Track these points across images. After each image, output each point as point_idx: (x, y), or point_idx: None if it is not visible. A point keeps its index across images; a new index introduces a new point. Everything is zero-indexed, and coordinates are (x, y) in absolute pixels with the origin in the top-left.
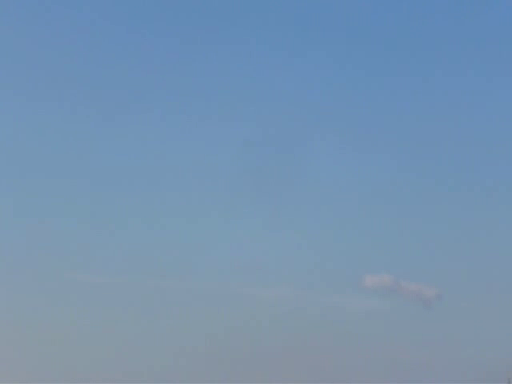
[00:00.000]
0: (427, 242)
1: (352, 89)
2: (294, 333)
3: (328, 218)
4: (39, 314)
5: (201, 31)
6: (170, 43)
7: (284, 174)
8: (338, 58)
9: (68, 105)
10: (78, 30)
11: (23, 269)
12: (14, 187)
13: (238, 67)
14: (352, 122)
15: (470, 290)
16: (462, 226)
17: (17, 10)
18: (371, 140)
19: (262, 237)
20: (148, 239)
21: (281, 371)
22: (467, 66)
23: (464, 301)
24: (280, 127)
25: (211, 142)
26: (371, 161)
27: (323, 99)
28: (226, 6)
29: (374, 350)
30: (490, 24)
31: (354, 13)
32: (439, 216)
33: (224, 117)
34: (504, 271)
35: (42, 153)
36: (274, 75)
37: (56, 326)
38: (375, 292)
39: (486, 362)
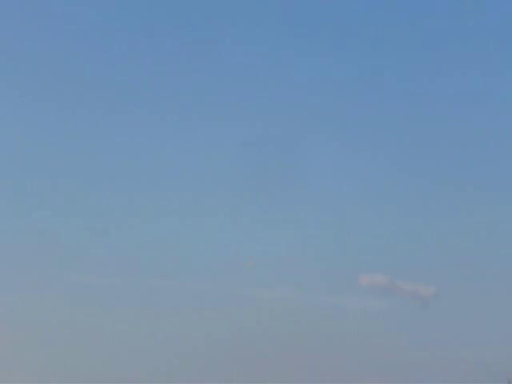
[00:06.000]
0: (424, 241)
1: (352, 89)
2: (291, 333)
3: (325, 218)
4: (39, 314)
5: (200, 31)
6: (169, 43)
7: (283, 174)
8: (338, 58)
9: (67, 104)
10: (77, 29)
11: (23, 269)
12: (13, 187)
13: (237, 67)
14: (351, 122)
15: (469, 289)
16: (459, 224)
17: (17, 10)
18: (369, 140)
19: (261, 237)
20: (147, 240)
21: (279, 371)
22: (467, 66)
23: (462, 300)
24: (280, 127)
25: (210, 142)
26: (369, 161)
27: (323, 99)
28: (226, 6)
29: (372, 350)
30: (490, 24)
31: (354, 13)
32: (436, 215)
33: (224, 117)
34: (503, 269)
35: (41, 153)
36: (274, 75)
37: (55, 327)
38: (373, 291)
39: (486, 362)
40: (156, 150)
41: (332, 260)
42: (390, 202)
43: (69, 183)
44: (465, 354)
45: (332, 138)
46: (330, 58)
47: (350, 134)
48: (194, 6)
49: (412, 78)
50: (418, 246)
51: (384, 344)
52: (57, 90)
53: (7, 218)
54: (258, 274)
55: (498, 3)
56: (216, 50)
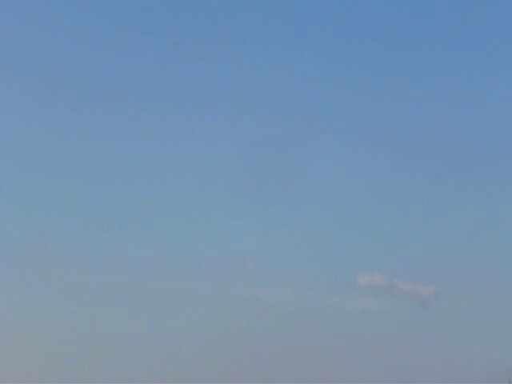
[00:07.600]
0: (424, 241)
1: (352, 89)
2: (291, 333)
3: (325, 218)
4: (39, 314)
5: (200, 31)
6: (169, 43)
7: (283, 174)
8: (339, 58)
9: (66, 104)
10: (77, 29)
11: (22, 269)
12: (13, 187)
13: (238, 67)
14: (352, 122)
15: (469, 288)
16: (459, 224)
17: (17, 10)
18: (369, 140)
19: (261, 237)
20: (147, 240)
21: (279, 371)
22: (467, 66)
23: (462, 299)
24: (280, 127)
25: (211, 142)
26: (368, 161)
27: (323, 99)
28: (226, 6)
29: (372, 350)
30: (490, 24)
31: (355, 13)
32: (436, 215)
33: (224, 117)
34: (503, 269)
35: (41, 153)
36: (275, 75)
37: (55, 327)
38: (372, 291)
39: (486, 361)
40: (156, 149)
41: (331, 260)
42: (390, 201)
43: (69, 183)
44: (465, 354)
45: (331, 138)
46: (331, 59)
47: (350, 135)
48: (195, 6)
49: (413, 79)
50: (417, 246)
51: (384, 344)
52: (57, 90)
53: (7, 218)
54: (257, 274)
55: (498, 3)
56: (216, 49)
